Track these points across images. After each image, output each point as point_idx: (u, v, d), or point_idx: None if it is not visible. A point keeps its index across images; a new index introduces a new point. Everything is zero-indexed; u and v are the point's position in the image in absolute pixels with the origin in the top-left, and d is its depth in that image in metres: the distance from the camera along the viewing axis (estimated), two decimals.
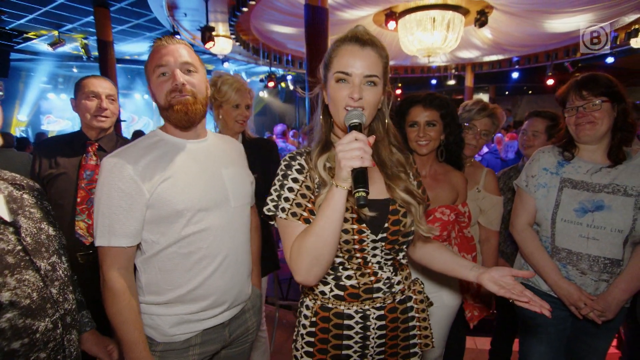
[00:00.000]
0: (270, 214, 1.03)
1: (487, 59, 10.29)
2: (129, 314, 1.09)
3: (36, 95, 12.00)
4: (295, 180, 1.02)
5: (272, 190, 1.05)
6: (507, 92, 15.32)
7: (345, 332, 1.06)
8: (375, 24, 7.69)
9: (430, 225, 1.16)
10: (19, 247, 0.94)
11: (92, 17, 7.57)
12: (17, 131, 11.56)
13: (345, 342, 1.06)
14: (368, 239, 1.02)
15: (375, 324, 1.07)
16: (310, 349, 1.09)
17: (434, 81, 12.37)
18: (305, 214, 0.99)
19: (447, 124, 1.59)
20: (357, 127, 0.89)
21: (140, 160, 1.12)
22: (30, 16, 8.09)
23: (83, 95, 1.84)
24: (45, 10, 7.72)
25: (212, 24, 7.23)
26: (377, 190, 1.07)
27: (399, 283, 1.11)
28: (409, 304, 1.13)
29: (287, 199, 1.00)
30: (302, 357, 1.10)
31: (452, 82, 11.14)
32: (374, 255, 1.06)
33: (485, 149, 5.95)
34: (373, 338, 1.07)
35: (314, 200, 1.01)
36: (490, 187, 1.85)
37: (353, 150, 0.82)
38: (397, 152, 1.13)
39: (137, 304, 1.13)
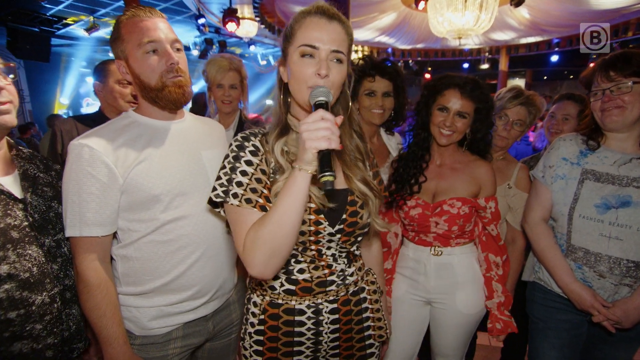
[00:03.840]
0: (218, 200, 0.91)
1: (523, 41, 9.60)
2: (106, 308, 1.03)
3: (76, 78, 12.54)
4: (249, 163, 0.93)
5: (221, 174, 0.93)
6: (545, 77, 14.33)
7: (296, 329, 1.01)
8: (404, 4, 7.36)
9: (384, 221, 1.08)
10: (26, 223, 0.99)
11: (122, 1, 7.72)
12: (60, 113, 12.20)
13: (296, 339, 1.02)
14: (325, 230, 0.97)
15: (328, 318, 1.03)
16: (260, 348, 1.03)
17: (466, 65, 11.74)
18: (261, 200, 0.90)
19: (479, 119, 1.45)
20: (324, 106, 0.82)
21: (111, 143, 1.04)
22: (67, 2, 8.37)
23: (114, 80, 1.83)
24: None
25: (237, 7, 7.18)
26: (337, 180, 0.99)
27: (352, 275, 1.08)
28: (362, 295, 1.10)
29: (239, 184, 0.91)
30: (251, 356, 1.05)
31: (485, 66, 10.55)
32: (329, 248, 1.00)
33: None
34: (326, 333, 1.03)
35: (269, 187, 0.94)
36: (522, 184, 1.70)
37: (319, 130, 0.76)
38: (357, 138, 1.06)
39: (115, 296, 1.07)
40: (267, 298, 1.02)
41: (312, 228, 0.95)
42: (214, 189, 0.93)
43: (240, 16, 7.61)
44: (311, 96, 0.85)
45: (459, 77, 1.45)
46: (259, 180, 0.92)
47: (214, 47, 10.41)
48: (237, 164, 0.93)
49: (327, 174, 0.75)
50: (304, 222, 0.93)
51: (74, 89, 12.58)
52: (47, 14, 9.05)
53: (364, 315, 1.10)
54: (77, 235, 1.03)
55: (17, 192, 1.02)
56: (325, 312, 1.02)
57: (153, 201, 1.07)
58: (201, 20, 7.50)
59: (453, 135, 1.43)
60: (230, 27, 6.67)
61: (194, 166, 1.16)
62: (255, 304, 1.05)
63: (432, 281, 1.49)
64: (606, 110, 1.29)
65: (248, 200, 0.89)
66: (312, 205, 0.94)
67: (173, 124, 1.18)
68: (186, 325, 1.17)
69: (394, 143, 1.87)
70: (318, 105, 0.83)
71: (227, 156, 0.95)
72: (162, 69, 1.08)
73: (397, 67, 1.77)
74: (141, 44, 1.06)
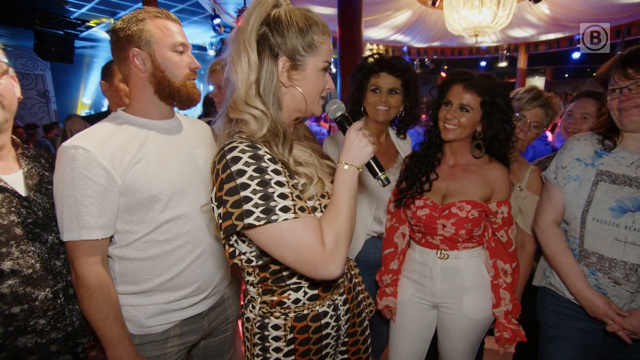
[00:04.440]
0: (261, 223, 0.79)
1: (543, 37, 9.31)
2: (109, 310, 1.03)
3: (98, 79, 12.88)
4: (277, 172, 0.84)
5: (247, 194, 0.80)
6: (566, 75, 13.80)
7: (323, 332, 1.01)
8: (419, 2, 7.25)
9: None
10: (29, 220, 1.01)
11: (141, 3, 7.88)
12: (82, 113, 12.56)
13: (324, 342, 1.02)
14: None
15: (343, 309, 1.07)
16: None
17: (483, 63, 11.47)
18: (308, 204, 0.89)
19: (487, 114, 1.37)
20: (348, 117, 1.00)
21: (106, 145, 1.02)
22: (89, 5, 8.61)
23: (120, 79, 1.86)
24: None
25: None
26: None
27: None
28: (354, 280, 1.17)
29: (283, 196, 0.81)
30: None
31: (503, 64, 10.28)
32: None
33: None
34: (343, 325, 1.07)
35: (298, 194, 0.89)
36: (534, 187, 1.64)
37: (368, 138, 0.93)
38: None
39: (116, 298, 1.07)
40: (292, 314, 0.97)
41: None
42: (248, 213, 0.79)
43: None
44: (332, 110, 1.00)
45: (467, 73, 1.41)
46: (294, 187, 0.88)
47: None
48: (267, 176, 0.82)
49: (384, 172, 0.96)
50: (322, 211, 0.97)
51: (96, 89, 12.92)
52: (71, 17, 9.35)
53: (360, 297, 1.18)
54: (76, 239, 1.01)
55: (21, 190, 1.04)
56: (340, 305, 1.06)
57: (153, 201, 1.07)
58: (216, 21, 7.61)
59: (457, 130, 1.38)
60: None
61: (188, 164, 1.16)
62: (276, 327, 0.97)
63: (438, 285, 1.45)
64: (624, 109, 1.22)
65: (302, 209, 0.84)
66: (329, 190, 0.98)
67: (165, 123, 1.18)
68: (183, 323, 1.18)
69: (403, 145, 1.82)
70: (344, 118, 0.99)
71: (241, 172, 0.81)
72: (187, 70, 1.15)
73: (407, 65, 1.72)
74: (175, 44, 1.11)
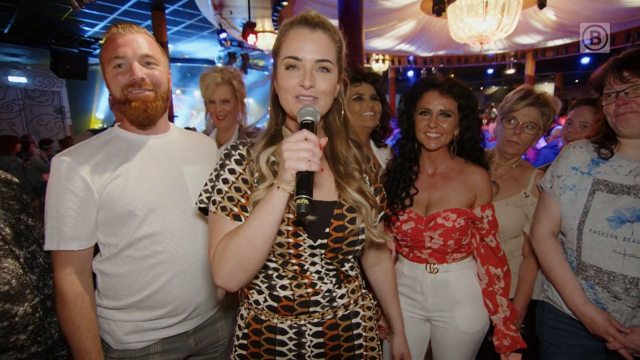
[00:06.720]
0: (202, 205, 0.95)
1: (551, 43, 9.23)
2: (80, 322, 1.03)
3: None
4: (232, 171, 0.93)
5: (207, 181, 0.96)
6: (576, 80, 13.54)
7: (277, 348, 0.97)
8: (424, 11, 7.29)
9: (382, 230, 1.03)
10: None
11: (150, 20, 8.13)
12: (96, 127, 12.86)
13: (278, 358, 0.98)
14: (305, 243, 0.92)
15: (311, 341, 0.97)
16: None
17: (490, 70, 11.39)
18: (235, 209, 0.89)
19: (465, 116, 1.36)
20: (309, 126, 0.81)
21: (91, 159, 1.05)
22: (102, 24, 8.93)
23: None
24: (113, 17, 8.48)
25: (258, 21, 7.39)
26: (325, 191, 0.97)
27: (342, 297, 1.00)
28: (354, 320, 1.03)
29: (219, 191, 0.91)
30: None
31: (511, 71, 10.20)
32: (313, 264, 0.95)
33: (543, 143, 5.31)
34: (309, 356, 0.98)
35: (248, 196, 0.91)
36: None
37: (300, 151, 0.74)
38: (355, 148, 1.01)
39: (91, 310, 1.06)
40: (252, 312, 0.99)
41: (291, 240, 0.90)
42: (200, 194, 0.96)
43: (261, 29, 7.82)
44: (298, 114, 0.85)
45: (434, 79, 1.39)
46: (237, 189, 0.91)
47: (237, 60, 10.73)
48: (222, 172, 0.93)
49: (303, 196, 0.73)
50: (281, 233, 0.90)
51: (108, 105, 13.25)
52: (85, 36, 9.68)
53: (356, 342, 1.03)
54: (55, 249, 1.03)
55: None
56: (309, 334, 0.97)
57: (128, 216, 1.06)
58: (222, 35, 7.77)
59: (441, 138, 1.35)
60: (250, 39, 6.87)
61: (172, 181, 1.14)
62: (242, 317, 1.03)
63: (429, 300, 1.40)
64: (621, 114, 1.17)
65: (223, 209, 0.89)
66: (291, 215, 0.90)
67: (153, 138, 1.17)
68: (165, 341, 1.15)
69: (385, 155, 1.80)
70: (304, 125, 0.82)
71: (216, 164, 0.97)
72: (125, 83, 1.08)
73: (376, 73, 1.76)
74: (110, 59, 1.08)
